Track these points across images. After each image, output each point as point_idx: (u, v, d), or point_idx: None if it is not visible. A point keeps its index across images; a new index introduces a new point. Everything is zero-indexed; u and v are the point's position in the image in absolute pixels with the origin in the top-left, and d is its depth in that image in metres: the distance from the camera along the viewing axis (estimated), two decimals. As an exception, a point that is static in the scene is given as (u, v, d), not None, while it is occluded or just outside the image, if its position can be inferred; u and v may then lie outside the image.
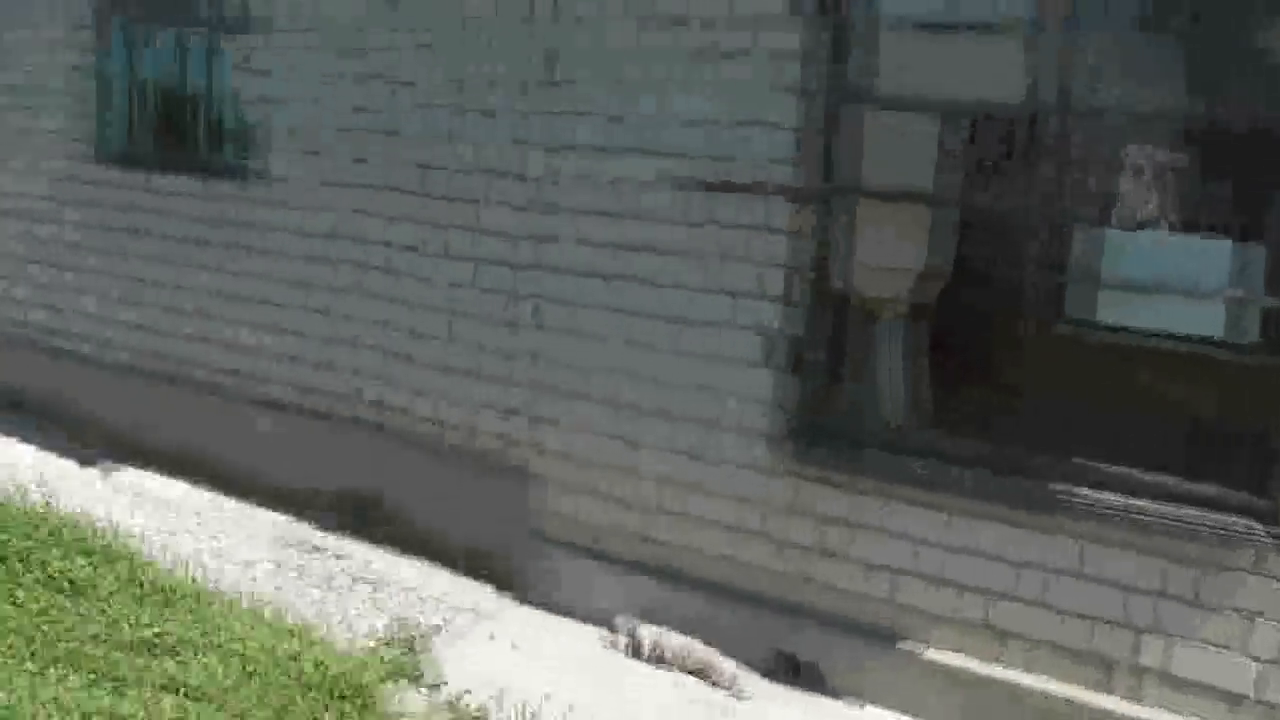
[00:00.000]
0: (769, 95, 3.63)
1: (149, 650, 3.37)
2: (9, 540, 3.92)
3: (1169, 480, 3.16)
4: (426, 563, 4.56)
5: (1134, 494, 3.18)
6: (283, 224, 5.13)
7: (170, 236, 5.54)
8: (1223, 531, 3.07)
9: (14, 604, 3.54)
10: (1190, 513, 3.12)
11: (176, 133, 5.59)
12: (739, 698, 3.64)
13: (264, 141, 5.15)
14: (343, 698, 3.24)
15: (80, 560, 3.89)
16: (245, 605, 3.83)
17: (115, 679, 3.19)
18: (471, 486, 4.58)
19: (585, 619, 4.13)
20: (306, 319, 5.08)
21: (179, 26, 5.50)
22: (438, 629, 3.94)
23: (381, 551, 4.65)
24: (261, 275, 5.22)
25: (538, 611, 4.22)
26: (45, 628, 3.43)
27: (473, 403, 4.54)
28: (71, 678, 3.16)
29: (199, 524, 4.77)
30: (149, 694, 3.10)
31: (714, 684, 3.70)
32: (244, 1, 5.17)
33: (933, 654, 3.52)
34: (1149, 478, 3.18)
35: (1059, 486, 3.27)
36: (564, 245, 4.22)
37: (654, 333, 4.01)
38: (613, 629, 4.01)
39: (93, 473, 5.28)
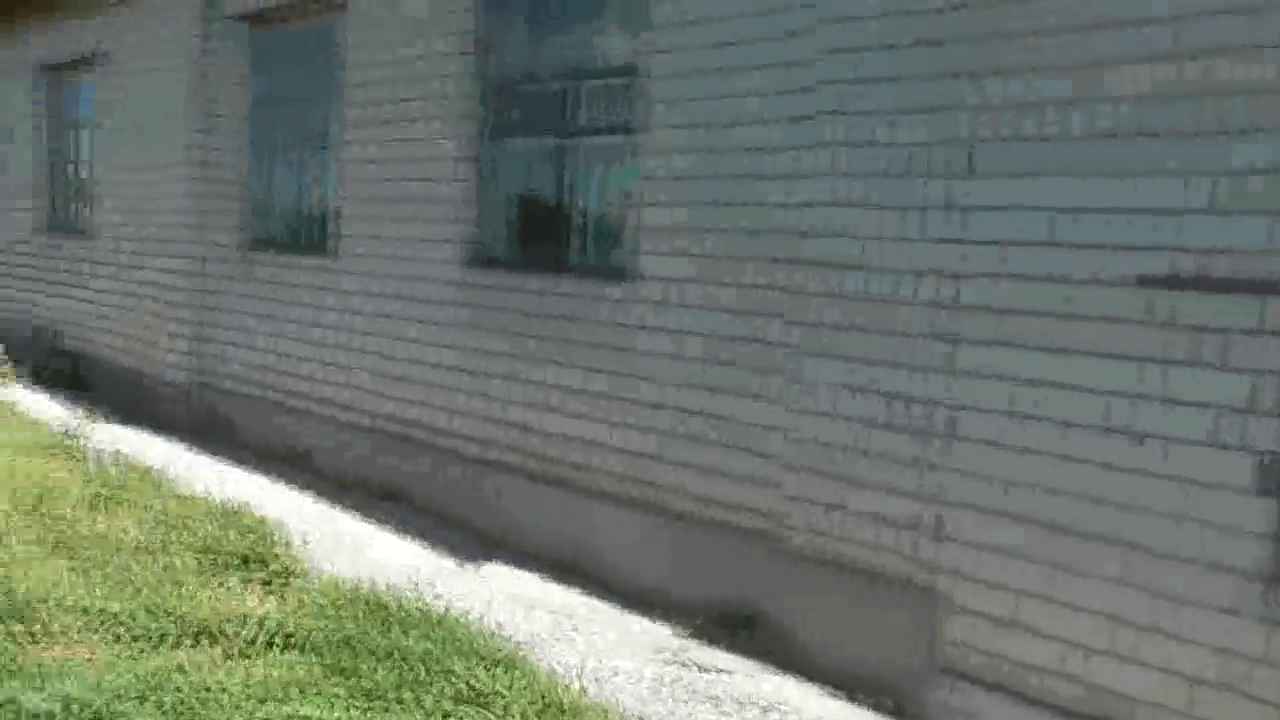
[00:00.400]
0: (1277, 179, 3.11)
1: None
2: (411, 645, 3.89)
3: None
4: (811, 684, 4.20)
5: None
6: (656, 323, 5.01)
7: (541, 336, 5.56)
8: None
9: (425, 715, 3.46)
10: None
11: (549, 236, 5.67)
12: None
13: (638, 242, 5.09)
14: None
15: (478, 668, 3.79)
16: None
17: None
18: (864, 606, 4.19)
19: (1010, 772, 3.64)
20: (682, 421, 4.90)
21: (553, 135, 5.62)
22: (846, 771, 3.56)
23: (761, 668, 4.33)
24: (634, 375, 5.11)
25: (953, 758, 3.76)
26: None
27: (872, 516, 4.17)
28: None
29: (574, 629, 4.63)
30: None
31: None
32: (618, 111, 5.19)
33: None
34: None
35: None
36: (984, 348, 3.80)
37: (1098, 448, 3.50)
38: (1052, 790, 3.48)
39: (468, 569, 5.29)
